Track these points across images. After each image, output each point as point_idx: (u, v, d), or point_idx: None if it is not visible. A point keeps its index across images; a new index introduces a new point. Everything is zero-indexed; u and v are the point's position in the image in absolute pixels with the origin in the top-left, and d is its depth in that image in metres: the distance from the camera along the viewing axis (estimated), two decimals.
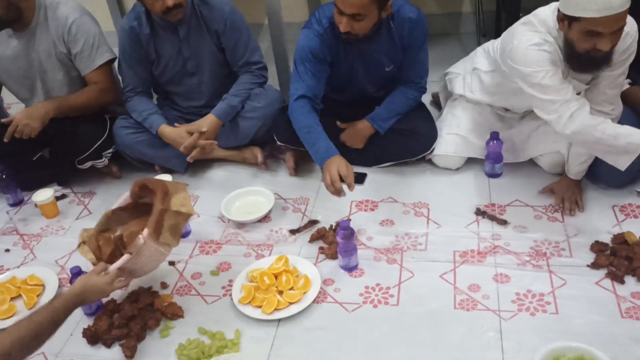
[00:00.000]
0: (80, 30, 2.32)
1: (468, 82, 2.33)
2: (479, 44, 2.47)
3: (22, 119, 2.25)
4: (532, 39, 1.84)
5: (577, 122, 1.80)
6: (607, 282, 1.78)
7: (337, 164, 1.97)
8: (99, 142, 2.43)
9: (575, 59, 1.80)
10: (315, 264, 1.97)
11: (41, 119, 2.28)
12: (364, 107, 2.38)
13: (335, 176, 1.95)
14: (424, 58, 2.29)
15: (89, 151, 2.42)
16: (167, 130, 2.38)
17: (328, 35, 2.16)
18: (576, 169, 2.07)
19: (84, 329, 1.80)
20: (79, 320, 1.88)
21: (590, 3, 1.64)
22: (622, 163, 1.84)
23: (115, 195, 2.47)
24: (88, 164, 2.47)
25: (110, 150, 2.49)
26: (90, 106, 2.43)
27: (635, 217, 2.01)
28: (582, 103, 1.82)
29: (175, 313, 1.85)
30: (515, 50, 1.87)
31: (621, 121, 2.05)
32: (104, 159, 2.49)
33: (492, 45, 2.20)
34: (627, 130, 1.79)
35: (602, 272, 1.81)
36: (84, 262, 2.06)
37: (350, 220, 2.11)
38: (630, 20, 1.79)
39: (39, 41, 2.34)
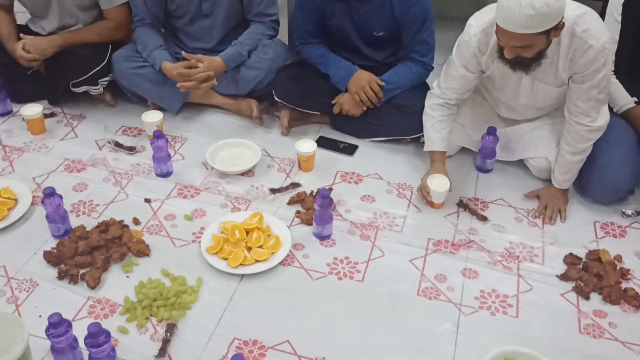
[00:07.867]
0: None
1: None
2: None
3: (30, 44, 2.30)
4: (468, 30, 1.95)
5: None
6: (572, 296, 1.77)
7: (368, 80, 2.22)
8: (97, 69, 2.38)
9: (500, 52, 1.83)
10: (289, 227, 1.96)
11: (41, 53, 2.31)
12: (376, 72, 2.31)
13: (370, 92, 2.22)
14: (427, 38, 2.24)
15: (86, 76, 2.37)
16: (169, 67, 2.33)
17: None
18: (560, 177, 2.05)
19: (45, 252, 1.80)
20: (45, 240, 1.87)
21: (499, 11, 1.68)
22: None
23: (105, 123, 2.45)
24: (82, 89, 2.42)
25: (107, 79, 2.44)
26: (100, 42, 2.41)
27: (615, 236, 2.00)
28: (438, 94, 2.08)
29: (141, 250, 1.83)
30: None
31: (618, 141, 2.03)
32: (99, 86, 2.43)
33: None
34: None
35: (570, 285, 1.80)
36: (61, 184, 2.05)
37: (331, 189, 2.10)
38: (596, 34, 1.75)
39: None
